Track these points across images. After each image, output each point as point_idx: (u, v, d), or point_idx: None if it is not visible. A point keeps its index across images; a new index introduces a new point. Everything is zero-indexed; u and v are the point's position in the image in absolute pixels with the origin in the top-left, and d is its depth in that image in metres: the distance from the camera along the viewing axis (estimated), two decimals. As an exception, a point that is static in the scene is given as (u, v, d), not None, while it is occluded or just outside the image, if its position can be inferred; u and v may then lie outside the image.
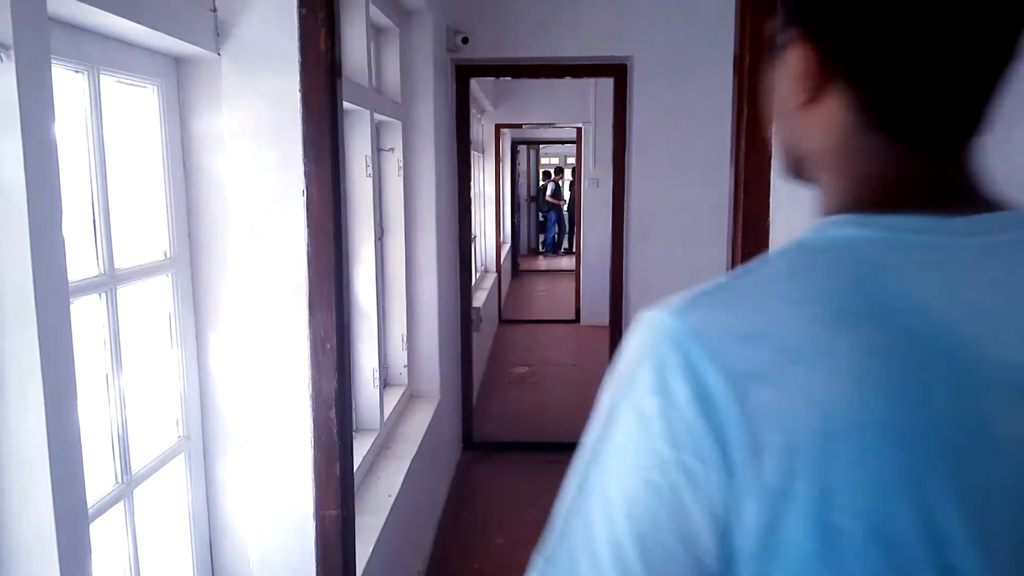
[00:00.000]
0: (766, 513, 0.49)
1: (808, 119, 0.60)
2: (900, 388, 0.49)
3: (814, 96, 0.58)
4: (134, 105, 1.66)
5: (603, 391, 0.57)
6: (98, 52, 1.46)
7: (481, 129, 8.79)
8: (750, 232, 1.76)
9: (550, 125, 9.44)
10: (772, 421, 0.49)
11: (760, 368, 0.50)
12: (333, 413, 1.76)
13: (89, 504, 1.23)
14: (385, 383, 3.21)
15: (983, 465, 0.49)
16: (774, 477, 0.49)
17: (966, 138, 0.56)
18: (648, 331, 0.54)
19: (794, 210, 1.75)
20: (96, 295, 1.47)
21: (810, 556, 0.49)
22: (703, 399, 0.50)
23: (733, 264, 1.81)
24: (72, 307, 1.18)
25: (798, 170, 0.65)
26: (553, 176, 14.36)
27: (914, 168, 0.56)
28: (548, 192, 14.13)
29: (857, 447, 0.48)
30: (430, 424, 3.25)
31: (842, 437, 0.48)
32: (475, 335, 4.55)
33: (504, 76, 4.87)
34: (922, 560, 0.48)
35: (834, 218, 0.57)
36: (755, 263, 0.57)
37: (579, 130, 8.58)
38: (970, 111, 0.55)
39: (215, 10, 1.69)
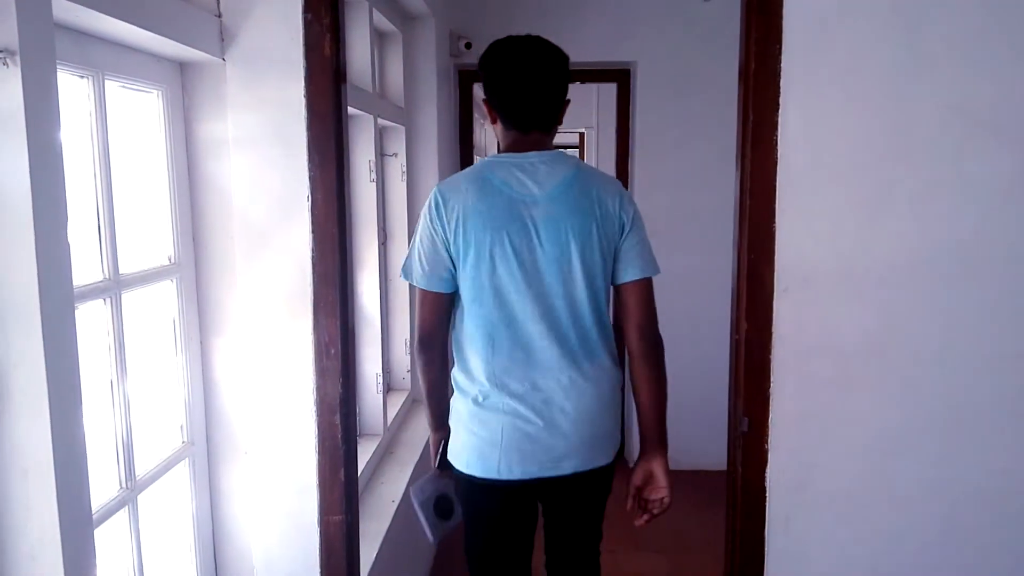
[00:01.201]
0: (454, 237, 1.74)
1: (496, 128, 1.84)
2: (486, 200, 1.74)
3: (493, 119, 1.84)
4: (139, 110, 1.66)
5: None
6: (103, 57, 1.46)
7: (484, 134, 8.80)
8: (756, 237, 1.75)
9: (552, 130, 9.42)
10: (453, 211, 1.74)
11: (453, 196, 1.75)
12: (338, 418, 1.76)
13: (93, 510, 1.23)
14: (388, 388, 3.21)
15: (521, 223, 1.74)
16: (455, 227, 1.74)
17: (537, 128, 1.80)
18: (431, 193, 1.78)
19: (800, 215, 1.75)
20: (101, 300, 1.47)
21: (467, 251, 1.74)
22: (439, 207, 1.75)
23: (739, 270, 1.80)
24: (77, 312, 1.18)
25: (500, 146, 1.86)
26: None
27: (517, 139, 1.80)
28: None
29: (473, 217, 1.73)
30: (433, 429, 3.23)
31: (471, 214, 1.73)
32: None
33: (507, 81, 4.86)
34: (499, 256, 1.73)
35: (493, 155, 1.81)
36: (467, 169, 1.95)
37: (581, 135, 8.59)
38: (533, 120, 1.79)
39: (220, 15, 1.69)
